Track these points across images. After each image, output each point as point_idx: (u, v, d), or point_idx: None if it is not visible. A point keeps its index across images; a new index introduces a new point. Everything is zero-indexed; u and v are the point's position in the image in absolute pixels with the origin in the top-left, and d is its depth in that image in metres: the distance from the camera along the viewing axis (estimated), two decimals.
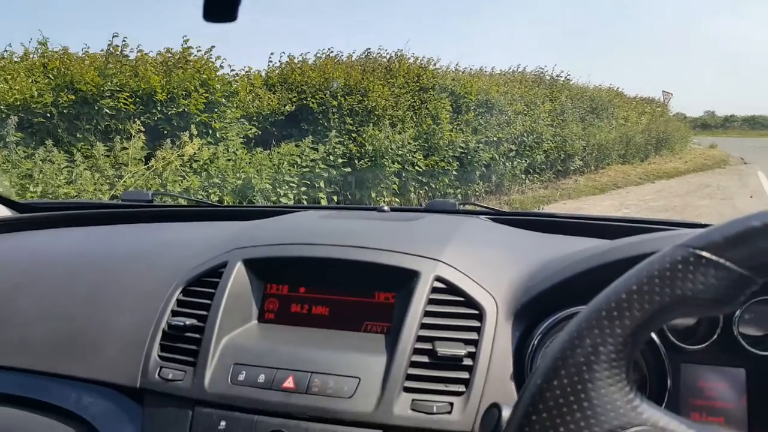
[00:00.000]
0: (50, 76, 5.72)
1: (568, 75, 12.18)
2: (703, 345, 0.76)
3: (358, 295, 0.89)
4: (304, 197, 6.66)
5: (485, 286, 0.84)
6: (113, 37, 6.16)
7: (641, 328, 0.41)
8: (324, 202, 6.66)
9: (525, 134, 9.69)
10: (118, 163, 5.60)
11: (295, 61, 7.92)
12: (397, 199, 7.62)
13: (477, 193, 8.88)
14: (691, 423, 0.40)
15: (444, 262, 0.86)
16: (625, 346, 0.41)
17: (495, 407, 0.54)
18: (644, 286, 0.40)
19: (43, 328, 0.94)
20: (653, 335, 0.76)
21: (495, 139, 9.03)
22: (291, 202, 6.33)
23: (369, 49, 8.72)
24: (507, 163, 9.29)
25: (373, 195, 7.28)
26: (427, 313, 0.80)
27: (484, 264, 0.88)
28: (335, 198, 7.05)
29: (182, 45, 6.52)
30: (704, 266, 0.39)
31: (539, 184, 10.32)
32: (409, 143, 7.71)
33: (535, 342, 0.79)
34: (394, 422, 0.73)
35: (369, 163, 7.28)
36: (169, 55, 6.48)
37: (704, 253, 0.39)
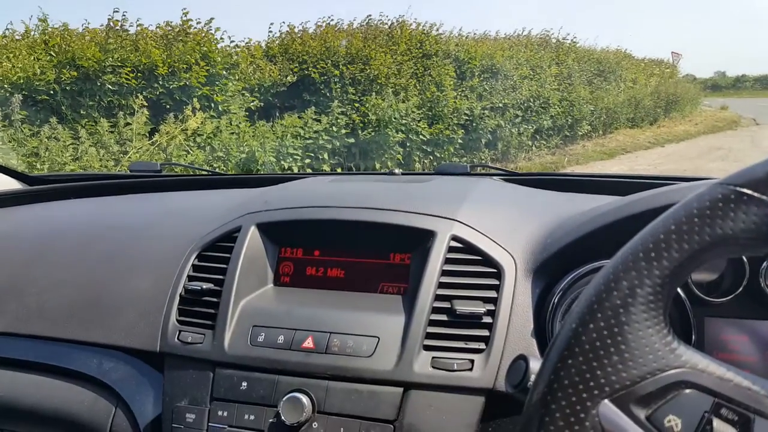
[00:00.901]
0: (52, 53, 5.69)
1: (575, 37, 11.97)
2: (728, 298, 0.75)
3: (374, 257, 0.88)
4: (308, 169, 6.64)
5: (502, 244, 0.83)
6: (114, 12, 6.09)
7: (680, 269, 0.39)
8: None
9: (531, 99, 9.55)
10: (122, 139, 5.60)
11: (296, 30, 7.80)
12: (402, 169, 7.57)
13: (483, 161, 8.80)
14: (729, 366, 0.39)
15: (460, 221, 0.84)
16: (663, 287, 0.39)
17: (522, 359, 0.53)
18: (683, 226, 0.39)
19: (60, 295, 0.94)
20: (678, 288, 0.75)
21: (500, 105, 8.91)
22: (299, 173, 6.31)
23: (370, 15, 8.60)
24: (513, 130, 9.18)
25: (378, 165, 7.24)
26: (444, 273, 0.80)
27: (500, 222, 0.87)
28: (339, 169, 7.02)
29: (182, 18, 6.44)
30: (746, 204, 0.37)
31: (546, 150, 10.21)
32: (413, 111, 7.62)
33: (556, 299, 0.78)
34: (415, 379, 0.73)
35: (372, 133, 7.22)
36: (169, 28, 6.40)
37: (746, 190, 0.38)
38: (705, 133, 13.70)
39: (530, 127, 9.58)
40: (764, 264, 0.75)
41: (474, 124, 8.51)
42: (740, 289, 0.75)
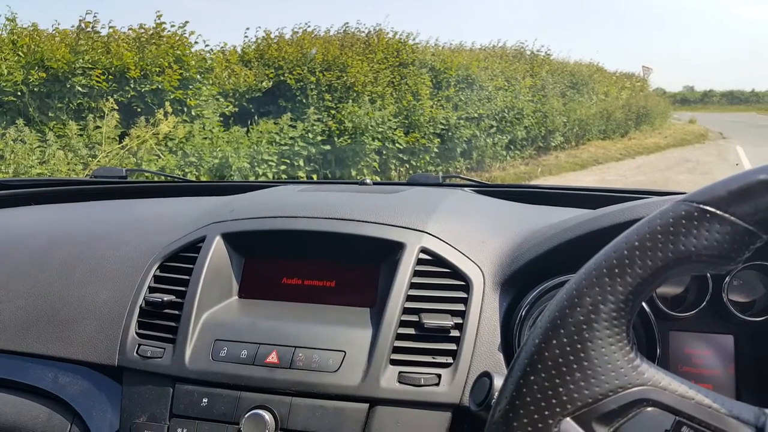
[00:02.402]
0: (20, 53, 5.55)
1: (549, 50, 12.19)
2: (692, 312, 0.76)
3: (342, 268, 0.87)
4: (283, 175, 6.59)
5: (471, 256, 0.82)
6: (85, 13, 5.99)
7: (643, 285, 0.39)
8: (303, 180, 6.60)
9: (506, 110, 9.68)
10: (91, 143, 5.48)
11: (272, 36, 7.77)
12: (378, 177, 7.58)
13: (458, 170, 8.87)
14: (691, 384, 0.39)
15: (429, 233, 0.84)
16: (627, 304, 0.39)
17: (486, 376, 0.52)
18: (647, 242, 0.39)
19: (16, 306, 0.90)
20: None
21: (476, 115, 9.00)
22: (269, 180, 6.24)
23: (347, 23, 8.60)
24: (488, 140, 9.28)
25: (354, 173, 7.23)
26: (412, 285, 0.79)
27: (469, 235, 0.87)
28: (315, 176, 6.99)
29: (155, 20, 6.36)
30: (708, 221, 0.38)
31: (520, 160, 10.35)
32: (389, 120, 7.65)
33: (523, 312, 0.77)
34: (381, 395, 0.72)
35: (349, 141, 7.22)
36: (142, 30, 6.31)
37: (708, 208, 0.38)
38: (674, 146, 14.06)
39: (505, 138, 9.71)
40: (727, 279, 0.76)
41: (450, 134, 8.58)
42: (704, 303, 0.76)
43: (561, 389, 0.38)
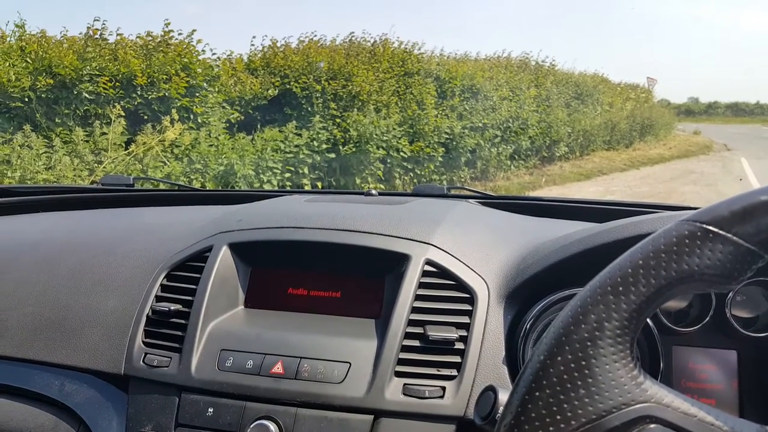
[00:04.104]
0: (28, 59, 5.60)
1: (554, 61, 12.23)
2: (696, 327, 0.76)
3: (347, 280, 0.87)
4: (288, 183, 6.61)
5: (476, 269, 0.83)
6: (93, 21, 6.04)
7: (647, 303, 0.40)
8: (308, 188, 6.61)
9: (510, 120, 9.70)
10: (97, 149, 5.51)
11: (278, 45, 7.83)
12: (382, 186, 7.59)
13: (462, 180, 8.88)
14: (694, 401, 0.39)
15: (434, 246, 0.84)
16: (630, 321, 0.40)
17: (491, 390, 0.53)
18: (650, 261, 0.39)
19: (23, 314, 0.91)
20: None
21: (480, 124, 9.02)
22: (275, 188, 6.26)
23: (353, 33, 8.66)
24: (492, 150, 9.30)
25: (358, 181, 7.24)
26: (417, 297, 0.79)
27: (474, 247, 0.87)
28: (319, 184, 7.00)
29: (163, 29, 6.41)
30: (711, 241, 0.38)
31: (524, 170, 10.36)
32: (394, 129, 7.67)
33: (528, 325, 0.78)
34: (385, 407, 0.72)
35: (354, 149, 7.24)
36: (150, 38, 6.36)
37: (711, 228, 0.38)
38: (679, 157, 14.04)
39: (509, 147, 9.72)
40: (730, 294, 0.76)
41: (454, 143, 8.60)
42: (707, 318, 0.76)
43: (566, 405, 0.39)
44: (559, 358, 0.40)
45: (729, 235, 0.38)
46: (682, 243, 0.39)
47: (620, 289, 0.40)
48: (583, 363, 0.39)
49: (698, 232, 0.39)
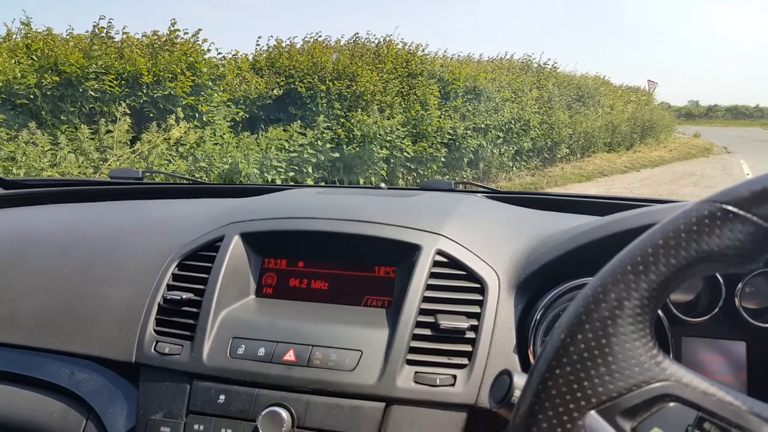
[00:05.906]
0: (34, 57, 5.61)
1: (555, 63, 12.23)
2: (705, 318, 0.76)
3: (358, 270, 0.88)
4: (292, 182, 6.61)
5: (487, 259, 0.83)
6: (99, 19, 6.06)
7: (667, 283, 0.40)
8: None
9: (512, 121, 9.70)
10: (103, 146, 5.51)
11: (283, 44, 7.83)
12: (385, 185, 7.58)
13: (465, 179, 8.87)
14: (713, 381, 0.40)
15: (445, 236, 0.85)
16: (650, 301, 0.40)
17: (506, 374, 0.53)
18: (670, 241, 0.40)
19: (34, 302, 0.91)
20: None
21: (483, 125, 9.02)
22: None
23: (357, 33, 8.67)
24: (494, 150, 9.30)
25: (361, 180, 7.25)
26: (429, 287, 0.80)
27: (485, 238, 0.88)
28: (323, 183, 7.01)
29: (169, 27, 6.43)
30: (731, 221, 0.39)
31: (526, 171, 10.36)
32: (398, 129, 7.68)
33: (538, 315, 0.78)
34: (397, 394, 0.73)
35: (357, 149, 7.24)
36: (156, 37, 6.37)
37: (731, 208, 0.39)
38: (679, 160, 14.02)
39: (511, 148, 9.72)
40: (740, 285, 0.76)
41: (457, 144, 8.60)
42: (716, 309, 0.76)
43: (586, 383, 0.39)
44: (579, 336, 0.40)
45: (749, 215, 0.38)
46: (702, 223, 0.39)
47: (640, 268, 0.40)
48: (603, 341, 0.40)
49: (718, 212, 0.39)
